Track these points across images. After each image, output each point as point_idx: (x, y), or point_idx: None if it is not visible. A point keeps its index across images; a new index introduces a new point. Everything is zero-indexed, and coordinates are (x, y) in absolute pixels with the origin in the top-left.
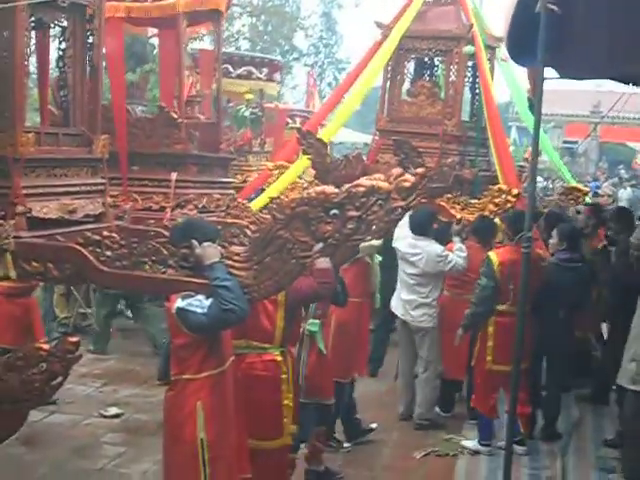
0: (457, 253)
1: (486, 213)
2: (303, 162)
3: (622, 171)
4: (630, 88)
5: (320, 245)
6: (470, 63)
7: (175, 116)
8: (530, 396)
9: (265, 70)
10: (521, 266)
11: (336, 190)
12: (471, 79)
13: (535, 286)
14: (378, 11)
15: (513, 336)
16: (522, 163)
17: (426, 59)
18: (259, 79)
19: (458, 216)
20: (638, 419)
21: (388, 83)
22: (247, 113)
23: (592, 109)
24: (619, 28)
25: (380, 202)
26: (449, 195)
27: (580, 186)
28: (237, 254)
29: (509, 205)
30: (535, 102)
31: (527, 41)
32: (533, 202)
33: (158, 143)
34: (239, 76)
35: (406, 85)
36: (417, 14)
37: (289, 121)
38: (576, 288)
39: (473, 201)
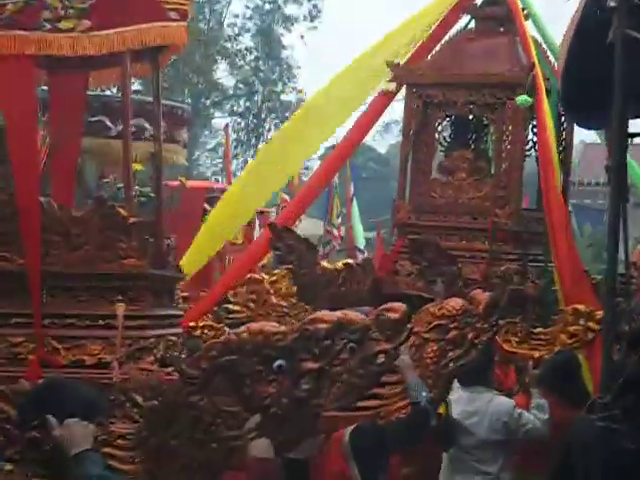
0: (534, 412)
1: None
2: None
3: None
4: None
5: (257, 418)
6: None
7: None
8: None
9: None
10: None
11: (281, 328)
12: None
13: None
14: None
15: None
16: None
17: (468, 118)
18: None
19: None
20: None
21: (410, 155)
22: None
23: None
24: None
25: (352, 345)
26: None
27: None
28: (122, 436)
29: (591, 336)
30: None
31: (592, 92)
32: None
33: None
34: None
35: (438, 157)
36: (450, 48)
37: None
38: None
39: (537, 330)
